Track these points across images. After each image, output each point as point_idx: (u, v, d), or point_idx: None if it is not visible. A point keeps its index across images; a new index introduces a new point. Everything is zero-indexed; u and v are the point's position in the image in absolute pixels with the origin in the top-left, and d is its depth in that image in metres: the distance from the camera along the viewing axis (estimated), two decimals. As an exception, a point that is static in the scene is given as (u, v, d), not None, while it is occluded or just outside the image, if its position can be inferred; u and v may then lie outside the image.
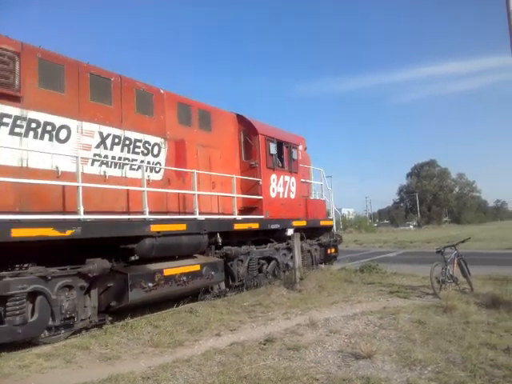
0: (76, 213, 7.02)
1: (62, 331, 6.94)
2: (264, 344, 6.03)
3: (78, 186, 7.05)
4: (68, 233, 6.64)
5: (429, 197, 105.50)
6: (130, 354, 6.03)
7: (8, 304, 6.03)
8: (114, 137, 8.55)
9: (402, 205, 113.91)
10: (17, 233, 6.06)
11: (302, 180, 13.87)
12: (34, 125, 7.16)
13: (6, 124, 6.77)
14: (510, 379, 4.38)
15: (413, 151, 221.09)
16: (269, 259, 11.74)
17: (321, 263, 14.25)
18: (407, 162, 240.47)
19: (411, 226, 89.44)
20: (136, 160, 8.90)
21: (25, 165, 6.94)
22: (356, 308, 8.31)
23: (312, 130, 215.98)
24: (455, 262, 9.69)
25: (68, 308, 6.88)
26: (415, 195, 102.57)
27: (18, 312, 6.09)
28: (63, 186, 7.29)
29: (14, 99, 6.90)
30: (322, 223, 14.41)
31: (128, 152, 8.83)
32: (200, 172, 9.96)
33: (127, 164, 8.67)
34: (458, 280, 9.65)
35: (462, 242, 10.67)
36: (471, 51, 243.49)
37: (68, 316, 6.89)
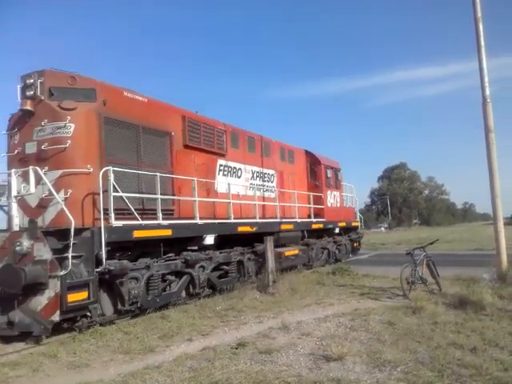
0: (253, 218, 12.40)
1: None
2: (236, 348, 6.00)
3: (229, 202, 11.47)
4: (252, 229, 12.05)
5: (399, 199, 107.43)
6: (100, 361, 5.91)
7: (150, 281, 8.67)
8: (258, 172, 13.80)
9: (373, 207, 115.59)
10: (141, 233, 8.48)
11: (343, 194, 19.63)
12: (230, 169, 12.34)
13: (220, 169, 11.94)
14: (476, 378, 4.48)
15: (385, 154, 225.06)
16: (324, 248, 16.95)
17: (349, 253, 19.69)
18: (379, 164, 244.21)
19: (382, 228, 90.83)
20: (264, 186, 14.06)
21: (234, 192, 12.03)
22: (328, 310, 8.37)
23: (291, 131, 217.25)
24: (424, 263, 9.89)
25: (216, 278, 10.80)
26: (386, 198, 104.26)
27: (156, 286, 8.75)
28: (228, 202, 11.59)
29: (223, 156, 12.00)
30: (353, 224, 20.18)
31: (263, 181, 14.06)
32: (294, 191, 15.17)
33: (262, 188, 13.83)
34: (427, 281, 9.84)
35: (431, 243, 10.90)
36: (443, 56, 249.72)
37: (217, 284, 10.76)
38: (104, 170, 7.86)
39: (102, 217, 7.77)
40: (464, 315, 7.31)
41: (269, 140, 14.65)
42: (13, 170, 7.78)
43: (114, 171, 7.98)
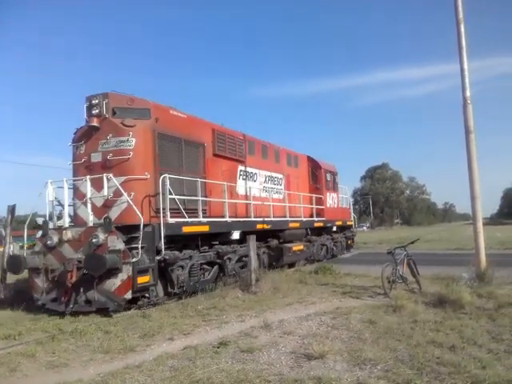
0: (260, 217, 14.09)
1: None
2: (218, 347, 5.98)
3: (250, 203, 13.52)
4: (267, 226, 14.05)
5: (381, 199, 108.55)
6: (79, 361, 5.84)
7: (191, 269, 10.28)
8: (269, 176, 15.56)
9: (356, 207, 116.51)
10: (186, 229, 10.18)
11: (339, 195, 21.54)
12: (247, 174, 14.07)
13: (240, 174, 13.63)
14: (454, 376, 4.53)
15: (368, 154, 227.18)
16: (323, 245, 18.79)
17: (343, 250, 21.64)
18: (362, 164, 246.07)
19: (364, 228, 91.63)
20: (274, 188, 15.74)
21: (250, 194, 13.71)
22: (310, 309, 8.41)
23: (274, 129, 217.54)
24: (405, 262, 9.99)
25: (238, 268, 12.40)
26: (369, 197, 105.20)
27: (196, 274, 10.40)
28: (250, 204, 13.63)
29: (242, 162, 13.73)
30: (348, 223, 22.23)
31: (273, 184, 15.79)
32: (298, 193, 17.09)
33: (272, 191, 15.45)
34: (407, 280, 9.95)
35: (412, 243, 11.02)
36: (424, 58, 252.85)
37: (241, 273, 12.09)
38: (162, 176, 9.58)
39: (161, 215, 9.32)
40: (443, 314, 7.41)
41: (278, 147, 16.61)
42: (88, 177, 9.45)
43: (167, 178, 9.62)
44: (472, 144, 10.69)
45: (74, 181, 10.07)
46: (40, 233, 9.80)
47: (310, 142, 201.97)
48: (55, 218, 10.21)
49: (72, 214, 10.24)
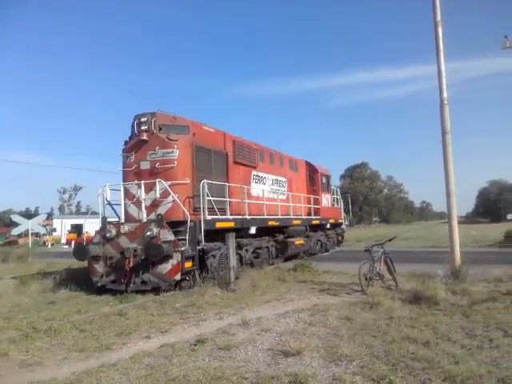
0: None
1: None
2: (195, 345, 5.96)
3: (264, 203, 15.54)
4: (276, 223, 16.04)
5: (360, 198, 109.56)
6: (53, 359, 5.76)
7: (220, 258, 12.07)
8: (275, 180, 17.66)
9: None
10: (219, 224, 12.19)
11: (333, 196, 24.07)
12: (259, 178, 16.09)
13: (253, 178, 15.67)
14: (428, 371, 4.61)
15: (347, 153, 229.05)
16: (318, 240, 20.89)
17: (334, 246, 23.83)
18: (342, 163, 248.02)
19: (343, 226, 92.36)
20: (279, 190, 17.77)
21: (260, 195, 15.71)
22: (288, 306, 8.44)
23: (253, 128, 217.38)
24: (382, 259, 10.12)
25: (253, 258, 14.60)
26: (348, 196, 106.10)
27: (223, 261, 11.98)
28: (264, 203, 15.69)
29: (255, 168, 15.71)
30: (339, 221, 24.71)
31: (278, 186, 17.83)
32: (299, 194, 19.54)
33: (278, 192, 17.49)
34: (384, 277, 10.08)
35: (389, 240, 11.17)
36: (401, 60, 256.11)
37: (255, 262, 14.54)
38: (202, 182, 11.64)
39: (202, 212, 11.30)
40: (418, 310, 7.53)
41: (282, 154, 18.83)
42: (142, 182, 11.31)
43: (205, 183, 11.70)
44: (448, 144, 10.88)
45: (126, 184, 11.85)
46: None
47: (289, 139, 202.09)
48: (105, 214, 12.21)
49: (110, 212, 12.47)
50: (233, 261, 11.09)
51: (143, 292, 10.37)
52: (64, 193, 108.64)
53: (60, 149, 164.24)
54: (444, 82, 11.00)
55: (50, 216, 74.19)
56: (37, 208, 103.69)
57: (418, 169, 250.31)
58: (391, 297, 8.66)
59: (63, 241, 56.43)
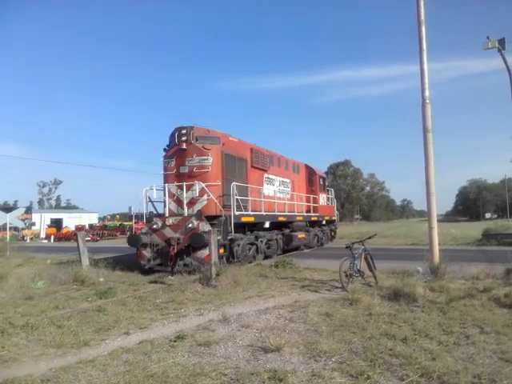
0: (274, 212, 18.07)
1: (268, 257, 16.52)
2: (174, 341, 5.92)
3: (275, 201, 18.06)
4: (284, 218, 18.51)
5: (343, 195, 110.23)
6: (30, 355, 5.65)
7: (243, 247, 14.44)
8: (282, 181, 19.80)
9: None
10: (244, 219, 14.59)
11: (328, 196, 26.50)
12: (269, 180, 18.21)
13: (265, 180, 17.76)
14: (406, 367, 4.67)
15: (330, 150, 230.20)
16: (316, 235, 23.01)
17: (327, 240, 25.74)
18: (325, 160, 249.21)
19: (336, 222, 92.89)
20: (285, 190, 20.15)
21: (271, 194, 18.23)
22: (269, 302, 8.46)
23: (238, 124, 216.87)
24: (362, 257, 10.21)
25: (265, 248, 16.47)
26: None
27: (244, 250, 14.60)
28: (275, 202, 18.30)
29: (266, 171, 17.82)
30: (333, 218, 27.20)
31: (284, 187, 20.07)
32: (301, 194, 21.99)
33: (284, 192, 19.97)
34: (364, 274, 10.17)
35: (369, 238, 11.27)
36: (386, 58, 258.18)
37: (267, 252, 16.60)
38: (232, 184, 14.32)
39: (232, 209, 14.00)
40: (397, 307, 7.63)
41: (287, 158, 21.12)
42: (184, 183, 13.74)
43: (235, 185, 14.43)
44: (429, 143, 11.00)
45: (168, 185, 14.28)
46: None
47: (272, 136, 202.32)
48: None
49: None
50: (214, 256, 11.05)
51: (184, 272, 12.36)
52: (43, 186, 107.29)
53: (37, 140, 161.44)
54: (426, 80, 11.11)
55: (29, 210, 72.97)
56: (15, 201, 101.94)
57: (400, 167, 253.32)
58: (371, 293, 8.76)
59: (42, 235, 55.51)
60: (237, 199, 14.36)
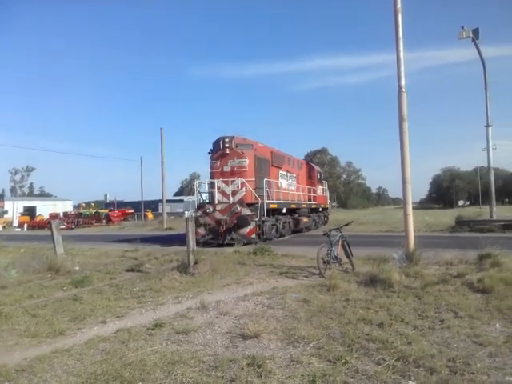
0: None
1: (283, 236, 21.78)
2: (152, 329, 5.88)
3: (288, 192, 23.84)
4: (294, 206, 23.62)
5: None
6: (3, 345, 5.54)
7: (268, 226, 19.55)
8: (291, 175, 24.73)
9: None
10: (271, 206, 19.59)
11: (323, 187, 31.83)
12: (283, 175, 23.43)
13: (280, 175, 22.95)
14: (382, 352, 4.73)
15: (307, 138, 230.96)
16: (314, 220, 27.64)
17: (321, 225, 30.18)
18: (303, 148, 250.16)
19: (329, 210, 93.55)
20: (292, 183, 24.92)
21: (284, 187, 23.30)
22: (247, 289, 8.48)
23: (214, 112, 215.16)
24: (339, 243, 10.30)
25: (282, 229, 21.47)
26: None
27: (270, 229, 19.93)
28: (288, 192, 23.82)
29: (281, 168, 23.14)
30: (327, 206, 32.81)
31: (292, 180, 24.88)
32: (304, 186, 26.71)
33: (292, 184, 24.79)
34: (341, 260, 10.27)
35: (346, 225, 11.36)
36: (365, 46, 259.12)
37: (283, 232, 21.71)
38: (265, 180, 19.03)
39: (265, 198, 18.54)
40: (374, 292, 7.72)
41: (294, 157, 26.30)
42: (229, 179, 18.71)
43: (265, 181, 19.10)
44: (405, 131, 11.10)
45: (216, 180, 19.10)
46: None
47: (250, 123, 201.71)
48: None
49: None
50: (192, 244, 10.98)
51: (232, 245, 17.05)
52: (16, 174, 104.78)
53: (10, 126, 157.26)
54: (402, 69, 11.16)
55: (1, 197, 71.20)
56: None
57: (375, 155, 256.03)
58: (348, 280, 8.86)
59: (15, 224, 54.33)
60: (267, 191, 18.97)
